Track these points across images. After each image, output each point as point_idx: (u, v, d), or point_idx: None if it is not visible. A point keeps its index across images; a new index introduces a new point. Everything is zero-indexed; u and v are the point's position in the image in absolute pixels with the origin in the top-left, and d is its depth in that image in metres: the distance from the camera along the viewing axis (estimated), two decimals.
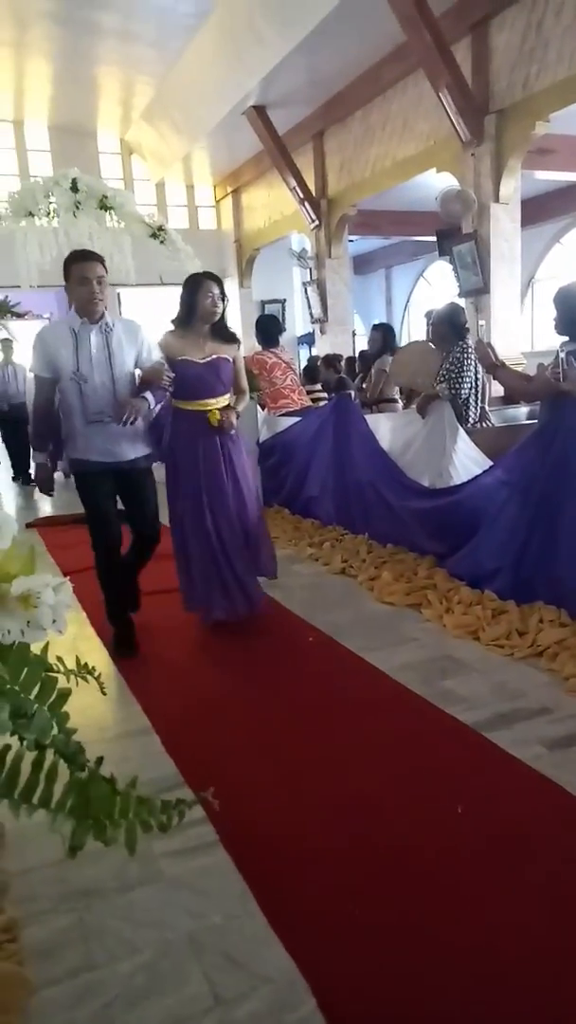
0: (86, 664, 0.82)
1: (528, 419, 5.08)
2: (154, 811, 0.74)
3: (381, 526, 4.49)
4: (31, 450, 4.09)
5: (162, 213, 12.14)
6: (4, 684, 0.64)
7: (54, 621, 0.67)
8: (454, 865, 1.81)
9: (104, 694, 0.94)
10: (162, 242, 5.06)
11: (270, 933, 1.61)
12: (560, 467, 3.20)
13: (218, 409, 3.35)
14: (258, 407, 6.22)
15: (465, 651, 3.08)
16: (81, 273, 3.01)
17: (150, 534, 3.39)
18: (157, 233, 5.03)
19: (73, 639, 3.38)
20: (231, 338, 3.46)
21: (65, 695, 0.72)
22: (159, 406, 3.30)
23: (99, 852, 1.90)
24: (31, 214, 4.82)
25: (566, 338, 3.27)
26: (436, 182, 7.50)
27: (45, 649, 0.73)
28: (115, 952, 1.58)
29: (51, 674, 0.71)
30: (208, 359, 3.34)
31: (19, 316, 12.22)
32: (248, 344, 12.77)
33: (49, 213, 4.84)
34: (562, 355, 3.19)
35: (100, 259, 3.10)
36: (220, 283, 3.38)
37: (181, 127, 10.58)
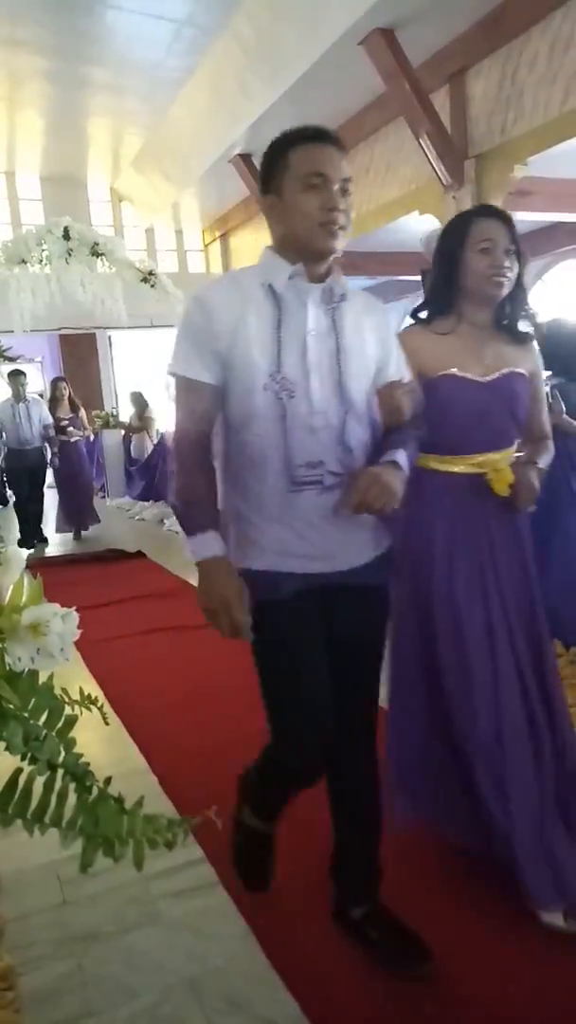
0: (88, 695, 0.83)
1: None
2: (160, 829, 0.75)
3: None
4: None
5: (152, 258, 12.36)
6: (15, 711, 0.66)
7: (62, 649, 0.69)
8: (459, 897, 1.79)
9: (107, 723, 0.94)
10: (152, 286, 5.17)
11: (272, 974, 1.58)
12: (548, 499, 3.23)
13: (510, 467, 1.84)
14: None
15: None
16: (311, 167, 1.55)
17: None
18: (148, 277, 5.15)
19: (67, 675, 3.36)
20: (524, 337, 1.94)
21: (72, 721, 0.73)
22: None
23: (97, 896, 1.89)
24: (24, 261, 4.92)
25: (550, 372, 3.34)
26: (420, 224, 7.70)
27: (49, 680, 0.74)
28: (114, 998, 1.55)
29: (58, 702, 0.72)
30: (495, 376, 1.86)
31: (11, 360, 12.41)
32: None
33: (42, 260, 4.94)
34: (546, 389, 3.25)
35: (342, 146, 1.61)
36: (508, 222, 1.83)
37: (170, 175, 10.86)
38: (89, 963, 1.65)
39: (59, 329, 11.63)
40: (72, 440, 7.43)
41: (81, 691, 0.83)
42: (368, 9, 5.88)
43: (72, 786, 0.73)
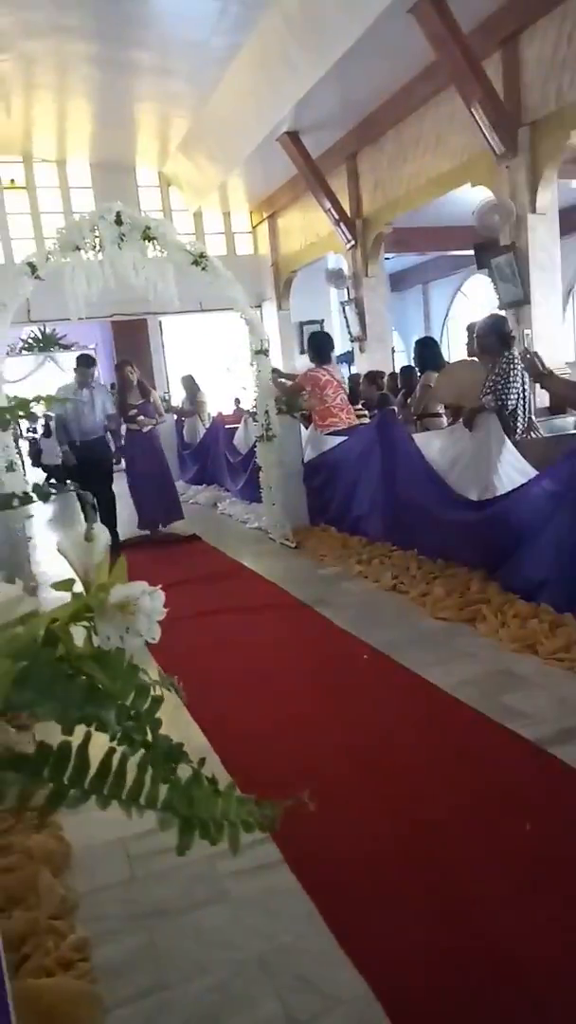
0: (166, 677, 0.84)
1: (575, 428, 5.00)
2: (254, 812, 0.75)
3: (430, 541, 4.45)
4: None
5: (200, 241, 12.39)
6: (108, 690, 0.67)
7: (149, 628, 0.69)
8: (525, 884, 1.77)
9: (183, 702, 0.95)
10: (203, 269, 5.15)
11: (340, 953, 1.59)
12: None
13: None
14: (301, 426, 6.25)
15: (524, 665, 3.03)
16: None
17: None
18: (199, 260, 5.13)
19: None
20: None
21: (158, 702, 0.74)
22: None
23: (165, 872, 1.93)
24: (78, 248, 4.95)
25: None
26: (471, 197, 7.51)
27: (133, 660, 0.75)
28: (185, 973, 1.58)
29: (144, 681, 0.73)
30: None
31: (66, 348, 12.63)
32: (292, 363, 12.88)
33: (95, 247, 4.97)
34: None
35: None
36: None
37: (217, 157, 10.83)
38: (160, 938, 1.69)
39: (112, 316, 11.78)
40: (144, 429, 6.49)
41: (160, 672, 0.83)
42: None
43: (170, 767, 0.74)
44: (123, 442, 6.58)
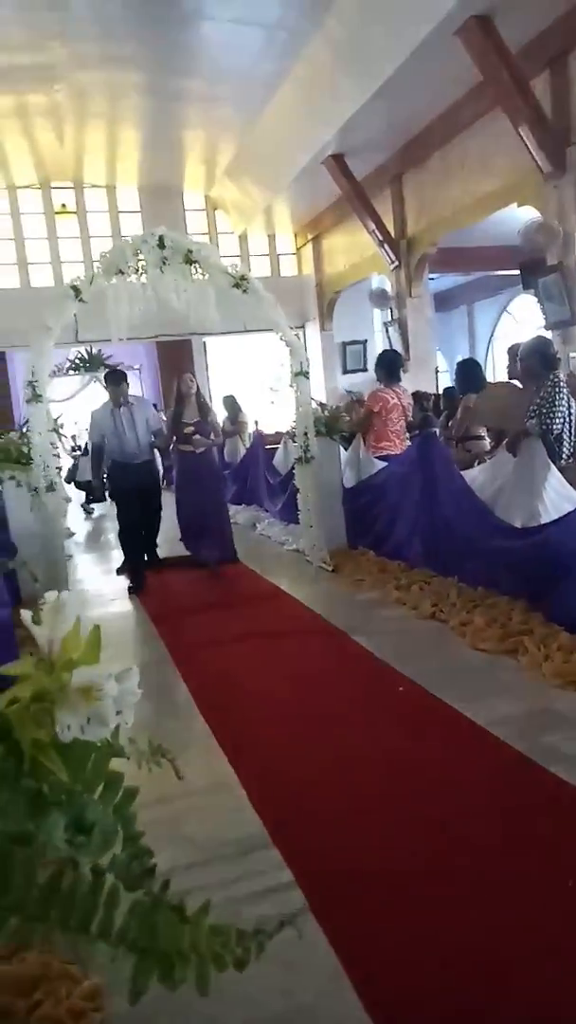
0: (159, 746, 0.77)
1: None
2: (229, 943, 0.67)
3: (471, 568, 4.33)
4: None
5: (245, 263, 12.53)
6: (61, 791, 0.59)
7: (119, 712, 0.62)
8: (565, 941, 1.65)
9: (180, 778, 0.87)
10: (244, 291, 5.16)
11: (364, 1016, 1.50)
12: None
13: None
14: (340, 448, 6.18)
15: (568, 703, 2.89)
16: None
17: None
18: (239, 283, 5.14)
19: (161, 681, 3.40)
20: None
21: (132, 794, 0.67)
22: None
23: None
24: (121, 272, 5.02)
25: None
26: (517, 216, 7.40)
27: (109, 742, 0.67)
28: None
29: (115, 772, 0.66)
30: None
31: (111, 368, 12.82)
32: (334, 383, 12.85)
33: (138, 270, 5.03)
34: None
35: None
36: None
37: (262, 180, 10.94)
38: (177, 990, 1.61)
39: (155, 337, 11.94)
40: (198, 450, 5.72)
41: (150, 742, 0.76)
42: None
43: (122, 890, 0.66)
44: (172, 462, 5.98)
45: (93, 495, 11.92)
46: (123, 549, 5.90)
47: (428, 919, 1.78)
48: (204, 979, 0.64)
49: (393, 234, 9.75)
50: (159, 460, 6.45)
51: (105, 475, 5.98)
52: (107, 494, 6.05)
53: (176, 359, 13.12)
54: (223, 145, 10.68)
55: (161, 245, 4.91)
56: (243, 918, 1.82)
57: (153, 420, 5.84)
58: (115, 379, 5.75)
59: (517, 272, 8.79)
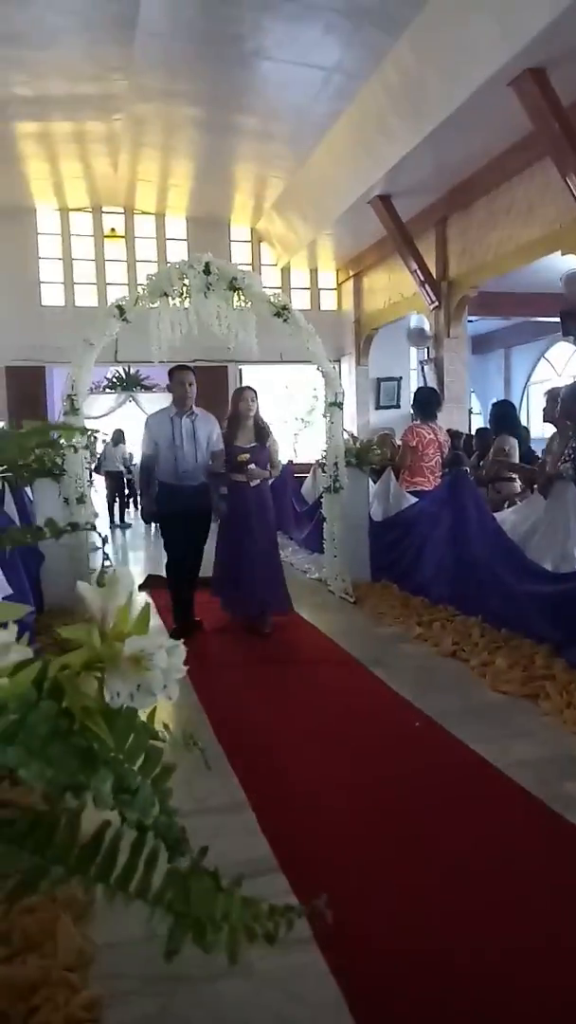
0: (191, 735, 0.78)
1: None
2: (260, 916, 0.66)
3: (496, 608, 4.28)
4: None
5: (286, 295, 12.71)
6: (108, 752, 0.61)
7: (165, 687, 0.64)
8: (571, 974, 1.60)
9: (208, 768, 0.88)
10: (285, 321, 5.24)
11: None
12: None
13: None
14: (370, 480, 6.20)
15: None
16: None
17: None
18: (281, 312, 5.22)
19: (177, 705, 3.38)
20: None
21: (170, 770, 0.67)
22: None
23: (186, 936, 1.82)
24: (165, 295, 5.13)
25: None
26: (560, 264, 7.45)
27: (152, 715, 0.69)
28: None
29: (156, 743, 0.67)
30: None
31: (147, 389, 13.04)
32: (367, 417, 12.92)
33: (182, 294, 5.13)
34: None
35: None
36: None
37: (309, 216, 11.15)
38: (175, 1007, 1.59)
39: (193, 361, 12.11)
40: (252, 483, 4.69)
41: (184, 732, 0.78)
42: (521, 51, 5.82)
43: (163, 852, 0.67)
44: (224, 492, 4.63)
45: (118, 487, 12.33)
46: (170, 588, 4.74)
47: (431, 959, 1.74)
48: (235, 949, 0.64)
49: (435, 275, 9.86)
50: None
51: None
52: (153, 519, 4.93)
53: (213, 384, 13.29)
54: (272, 180, 10.93)
55: (207, 271, 5.02)
56: (244, 942, 1.80)
57: (216, 439, 4.65)
58: (181, 374, 4.63)
59: (557, 319, 8.83)
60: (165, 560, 4.80)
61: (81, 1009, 1.50)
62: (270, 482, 4.98)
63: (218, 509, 4.58)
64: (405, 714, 3.32)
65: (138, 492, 5.39)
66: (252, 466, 4.68)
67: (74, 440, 5.11)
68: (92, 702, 0.60)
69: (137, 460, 15.30)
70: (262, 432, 4.81)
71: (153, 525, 6.29)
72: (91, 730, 0.60)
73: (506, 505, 4.99)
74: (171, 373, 4.69)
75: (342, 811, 2.46)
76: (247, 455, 4.68)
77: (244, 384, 5.23)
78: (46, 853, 0.61)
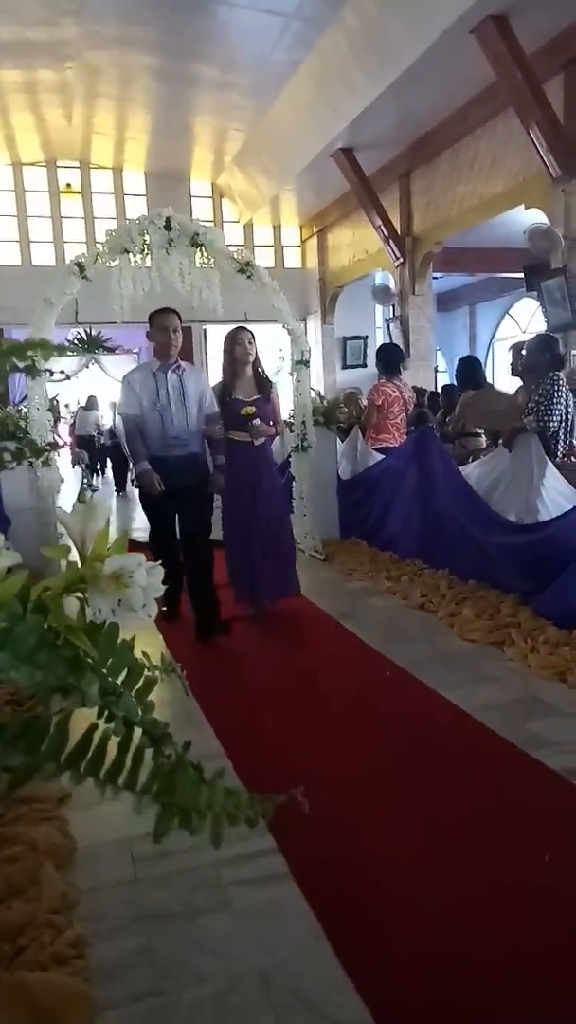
0: (170, 661, 0.80)
1: None
2: (241, 804, 0.70)
3: (463, 561, 4.36)
4: None
5: (249, 252, 12.51)
6: (94, 664, 0.63)
7: (144, 605, 0.66)
8: (542, 914, 1.69)
9: (188, 694, 0.92)
10: (249, 277, 5.17)
11: (343, 976, 1.53)
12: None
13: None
14: (337, 438, 6.21)
15: (552, 693, 2.93)
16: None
17: None
18: (245, 268, 5.14)
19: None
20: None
21: (152, 683, 0.70)
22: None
23: (169, 875, 1.88)
24: (126, 251, 5.01)
25: None
26: (524, 219, 7.43)
27: (131, 640, 0.71)
28: (181, 980, 1.53)
29: (137, 661, 0.69)
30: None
31: (110, 350, 12.80)
32: (333, 376, 12.88)
33: (143, 250, 5.02)
34: None
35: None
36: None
37: (270, 171, 10.93)
38: (158, 942, 1.64)
39: None
40: (256, 442, 4.07)
41: (163, 658, 0.80)
42: None
43: (149, 749, 0.70)
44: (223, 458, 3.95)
45: (91, 452, 12.24)
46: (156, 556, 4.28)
47: (404, 888, 1.82)
48: (218, 833, 0.68)
49: (399, 231, 9.78)
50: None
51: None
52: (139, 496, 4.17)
53: None
54: (232, 133, 10.65)
55: (168, 227, 4.91)
56: (223, 880, 1.87)
57: (210, 400, 3.96)
58: (163, 318, 3.84)
59: (521, 275, 8.85)
60: (149, 537, 4.09)
61: (67, 947, 1.55)
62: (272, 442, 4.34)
63: (216, 484, 3.89)
64: (376, 664, 3.40)
65: (129, 461, 4.30)
66: (257, 421, 4.00)
67: (48, 365, 5.01)
68: (75, 622, 0.62)
69: (107, 425, 15.12)
70: (264, 383, 4.13)
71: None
72: (75, 645, 0.62)
73: (471, 460, 5.06)
74: (152, 318, 3.89)
75: (316, 757, 2.53)
76: (252, 408, 4.00)
77: (238, 327, 4.20)
78: (38, 752, 0.63)
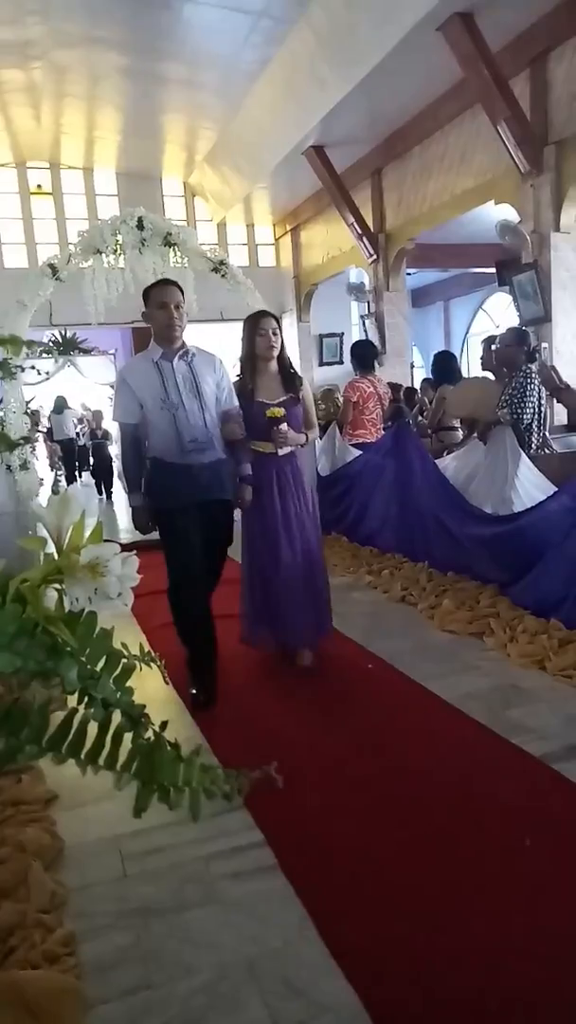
0: (149, 652, 0.82)
1: None
2: (217, 779, 0.73)
3: (442, 554, 4.42)
4: None
5: (223, 251, 12.50)
6: (71, 650, 0.65)
7: (120, 594, 0.68)
8: (523, 898, 1.73)
9: (167, 682, 0.95)
10: (223, 276, 5.19)
11: (330, 962, 1.56)
12: None
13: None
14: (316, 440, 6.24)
15: (531, 681, 2.98)
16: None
17: None
18: (219, 267, 5.17)
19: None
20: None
21: (130, 670, 0.72)
22: None
23: (158, 871, 1.90)
24: (99, 252, 5.01)
25: None
26: (495, 214, 7.51)
27: (110, 630, 0.74)
28: (172, 973, 1.55)
29: (116, 649, 0.71)
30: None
31: (86, 352, 12.72)
32: (310, 373, 12.92)
33: (116, 250, 5.02)
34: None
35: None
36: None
37: (243, 169, 10.92)
38: (148, 937, 1.66)
39: (132, 323, 11.86)
40: (281, 452, 3.28)
41: (141, 648, 0.82)
42: None
43: (128, 733, 0.72)
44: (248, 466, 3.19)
45: (70, 454, 12.05)
46: (179, 623, 3.15)
47: (390, 875, 1.85)
48: (196, 807, 0.71)
49: (372, 228, 9.83)
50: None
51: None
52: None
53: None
54: (203, 132, 10.63)
55: (140, 226, 4.92)
56: (211, 874, 1.89)
57: (228, 390, 3.15)
58: (162, 292, 2.99)
59: (493, 270, 8.93)
60: (168, 583, 3.04)
61: (58, 945, 1.56)
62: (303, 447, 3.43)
63: (241, 499, 3.13)
64: (358, 657, 3.43)
65: (124, 480, 3.50)
66: (284, 426, 3.17)
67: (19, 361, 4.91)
68: (54, 612, 0.64)
69: (86, 426, 14.65)
70: (292, 380, 3.32)
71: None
72: (54, 633, 0.64)
73: (445, 453, 5.11)
74: (147, 294, 3.03)
75: (301, 748, 2.56)
76: (281, 410, 3.18)
77: (260, 312, 3.45)
78: (20, 735, 0.65)
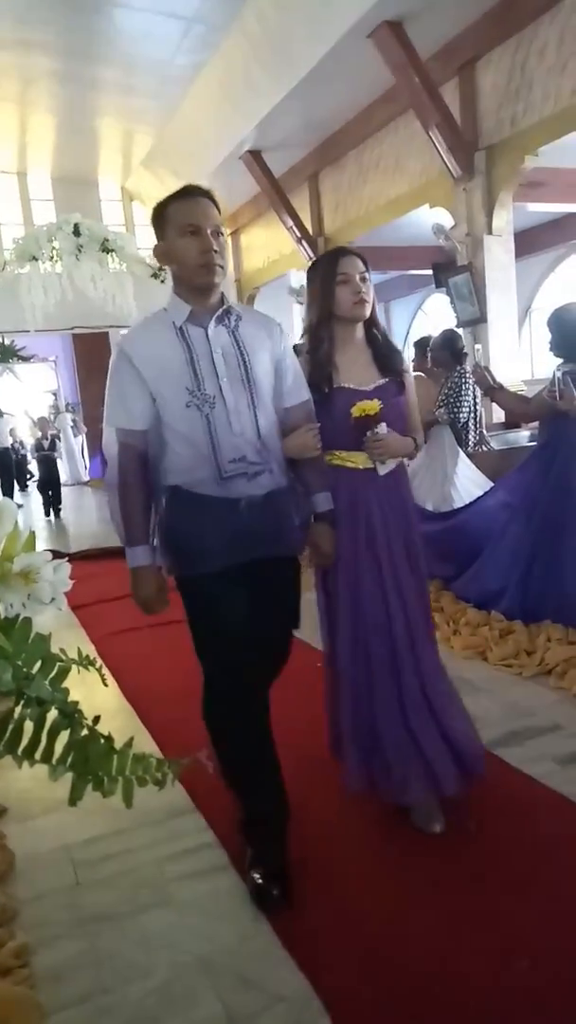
0: (87, 656, 0.85)
1: (529, 442, 5.12)
2: (149, 768, 0.76)
3: None
4: None
5: None
6: (6, 653, 0.68)
7: (53, 599, 0.71)
8: (465, 882, 1.80)
9: (105, 685, 0.97)
10: (163, 282, 5.19)
11: (283, 952, 1.59)
12: (561, 486, 3.23)
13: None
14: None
15: (473, 671, 3.08)
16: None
17: None
18: (158, 273, 5.17)
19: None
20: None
21: (64, 671, 0.75)
22: None
23: (110, 877, 1.91)
24: (35, 259, 4.96)
25: (561, 359, 3.33)
26: (430, 217, 7.69)
27: (48, 636, 0.76)
28: (127, 975, 1.57)
29: (52, 653, 0.74)
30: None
31: (24, 359, 12.51)
32: None
33: (52, 257, 4.98)
34: (558, 375, 3.25)
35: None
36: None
37: (180, 173, 10.88)
38: (102, 943, 1.67)
39: (72, 328, 11.71)
40: (381, 471, 2.07)
41: (79, 651, 0.85)
42: (376, 2, 5.89)
43: (63, 728, 0.75)
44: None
45: (12, 488, 11.32)
46: (224, 758, 1.93)
47: (336, 863, 1.89)
48: (128, 795, 0.75)
49: (311, 231, 9.93)
50: None
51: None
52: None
53: (94, 352, 12.92)
54: (139, 136, 10.59)
55: (77, 232, 4.90)
56: (165, 876, 1.90)
57: (295, 371, 1.97)
58: (189, 206, 1.82)
59: (430, 272, 9.13)
60: (203, 694, 2.03)
61: (10, 957, 1.56)
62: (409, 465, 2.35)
63: (318, 550, 2.05)
64: (305, 655, 3.47)
65: (116, 525, 1.85)
66: (383, 427, 2.00)
67: None
68: None
69: (29, 437, 13.97)
70: (391, 355, 2.13)
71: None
72: None
73: None
74: (161, 214, 1.84)
75: None
76: (377, 402, 1.99)
77: (339, 248, 2.25)
78: None
